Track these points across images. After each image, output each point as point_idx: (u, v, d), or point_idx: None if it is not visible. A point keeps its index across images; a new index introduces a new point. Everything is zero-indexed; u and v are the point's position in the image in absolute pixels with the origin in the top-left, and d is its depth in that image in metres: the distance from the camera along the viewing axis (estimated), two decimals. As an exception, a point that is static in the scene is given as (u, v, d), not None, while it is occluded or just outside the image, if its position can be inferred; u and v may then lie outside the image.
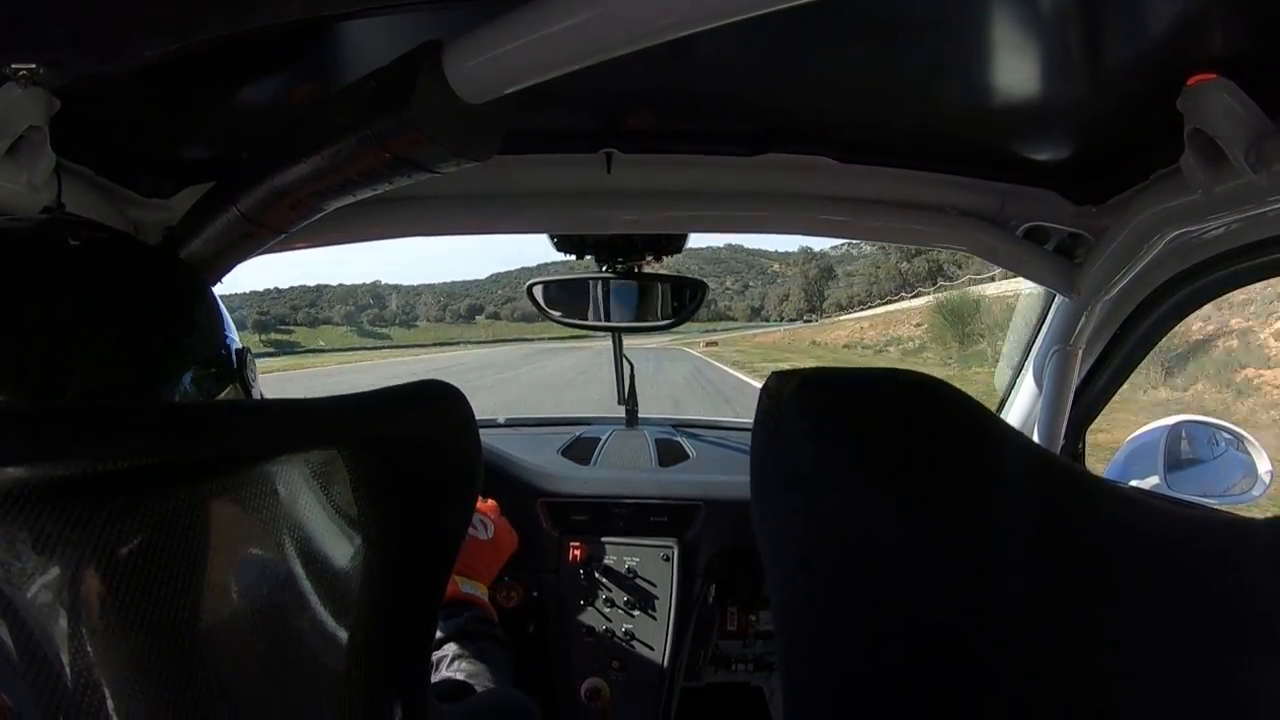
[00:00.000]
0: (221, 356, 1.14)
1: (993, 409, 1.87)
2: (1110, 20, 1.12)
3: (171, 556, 0.61)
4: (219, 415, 0.73)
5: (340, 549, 0.75)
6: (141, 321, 1.03)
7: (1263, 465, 2.07)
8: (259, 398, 1.22)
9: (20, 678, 0.57)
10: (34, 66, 1.05)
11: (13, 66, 1.05)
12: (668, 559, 2.38)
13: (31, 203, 1.25)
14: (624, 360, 2.84)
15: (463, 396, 0.86)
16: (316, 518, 0.72)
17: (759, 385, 0.68)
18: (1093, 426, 2.23)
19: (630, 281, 2.17)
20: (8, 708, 0.61)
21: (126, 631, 0.59)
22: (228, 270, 1.59)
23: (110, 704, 0.59)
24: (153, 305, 1.06)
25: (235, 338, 1.19)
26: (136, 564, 0.59)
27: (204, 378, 1.10)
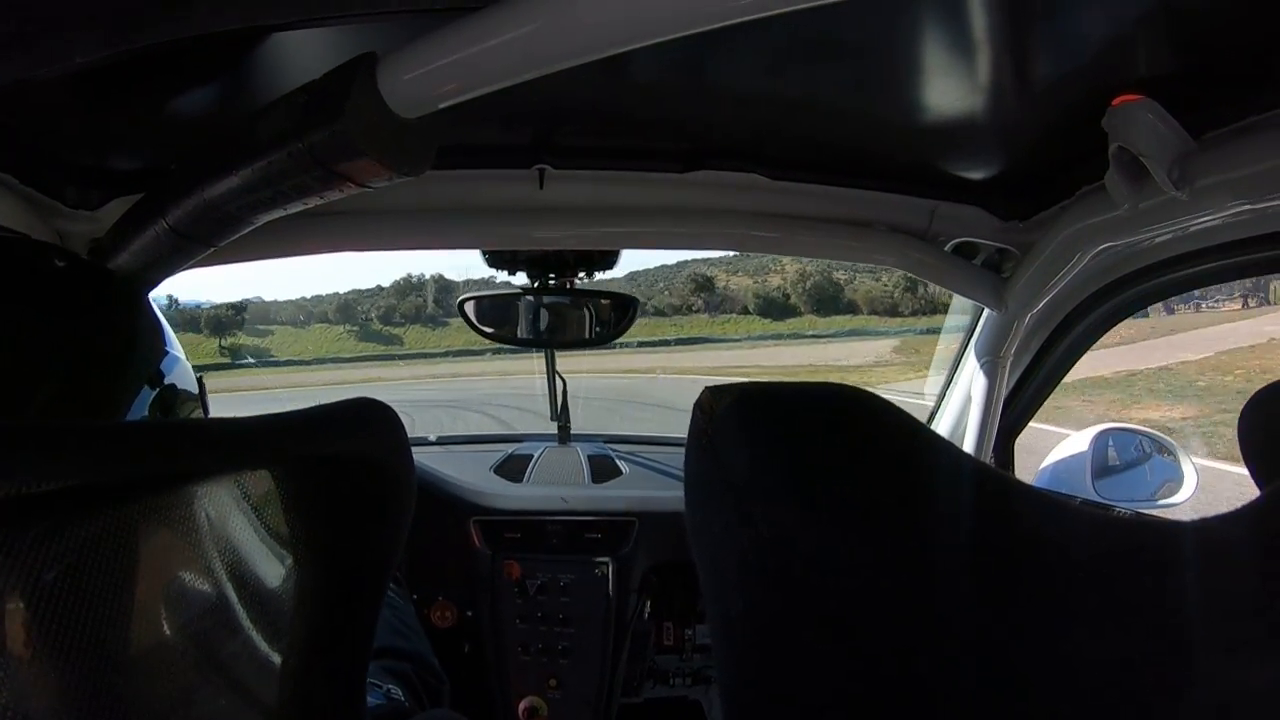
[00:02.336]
0: (164, 373, 1.10)
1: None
2: (1037, 41, 1.14)
3: (99, 581, 0.59)
4: (145, 435, 0.70)
5: (272, 571, 0.73)
6: (81, 342, 1.00)
7: (1188, 469, 2.13)
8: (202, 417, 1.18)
9: None
10: None
11: None
12: (603, 575, 2.37)
13: None
14: (557, 376, 2.82)
15: (394, 414, 0.84)
16: (248, 539, 0.71)
17: None
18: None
19: (563, 298, 2.15)
20: None
21: (52, 660, 0.57)
22: (156, 284, 1.55)
23: None
24: (91, 325, 1.03)
25: (180, 355, 1.15)
26: (62, 589, 0.56)
27: (155, 397, 1.07)
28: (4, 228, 1.42)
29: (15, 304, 0.94)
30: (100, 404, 0.99)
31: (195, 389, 1.15)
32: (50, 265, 0.98)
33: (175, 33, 0.96)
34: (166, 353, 1.11)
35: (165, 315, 1.57)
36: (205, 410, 1.20)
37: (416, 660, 1.46)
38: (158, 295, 1.54)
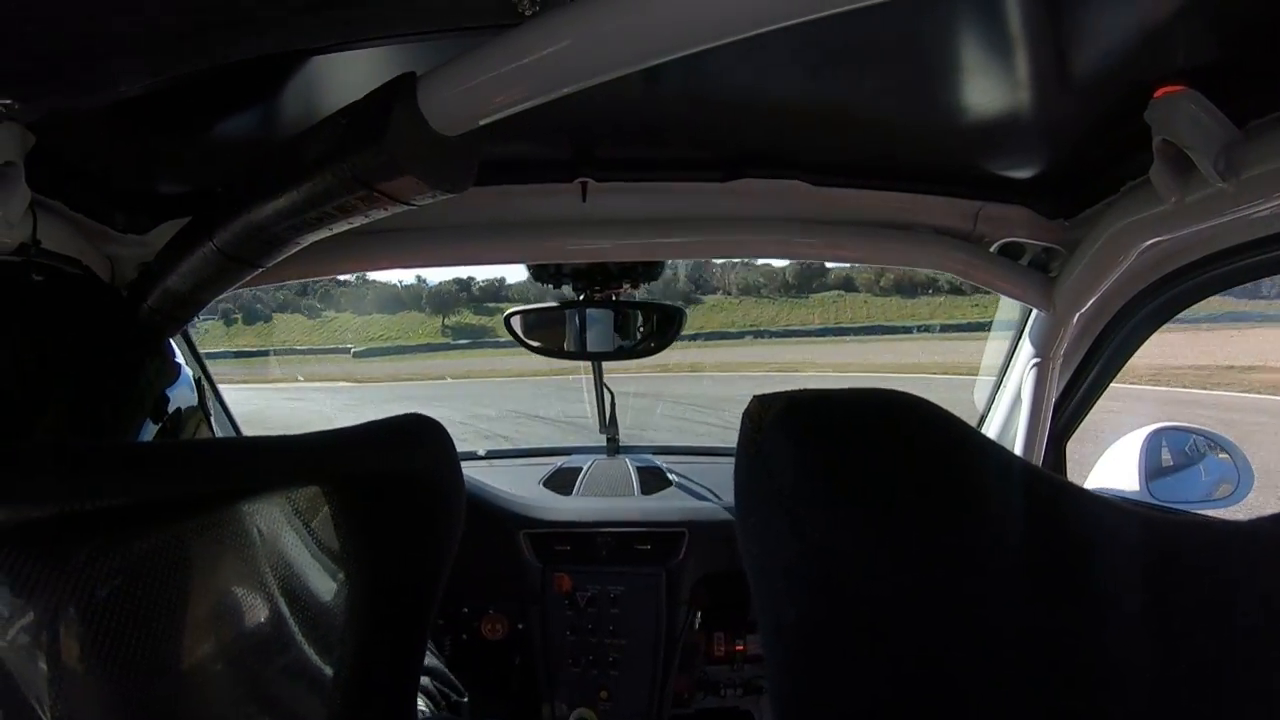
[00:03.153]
0: (170, 396, 1.12)
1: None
2: (1076, 36, 1.13)
3: (152, 597, 0.60)
4: (197, 454, 0.72)
5: (324, 586, 0.74)
6: (100, 364, 1.02)
7: (1243, 468, 2.09)
8: (238, 435, 1.21)
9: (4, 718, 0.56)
10: (9, 102, 1.05)
11: None
12: (653, 586, 2.37)
13: (6, 239, 1.24)
14: (604, 388, 2.83)
15: (444, 430, 0.85)
16: (300, 555, 0.72)
17: None
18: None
19: (608, 310, 2.16)
20: None
21: (107, 673, 0.58)
22: (204, 305, 1.58)
23: None
24: (110, 348, 1.05)
25: (189, 372, 1.17)
26: (116, 605, 0.58)
27: (165, 420, 1.09)
28: (56, 254, 1.47)
29: (29, 325, 0.96)
30: (109, 423, 1.01)
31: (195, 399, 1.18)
32: (75, 288, 1.01)
33: (217, 60, 0.99)
34: (178, 376, 1.13)
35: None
36: (207, 415, 1.22)
37: (434, 673, 1.47)
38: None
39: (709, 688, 2.53)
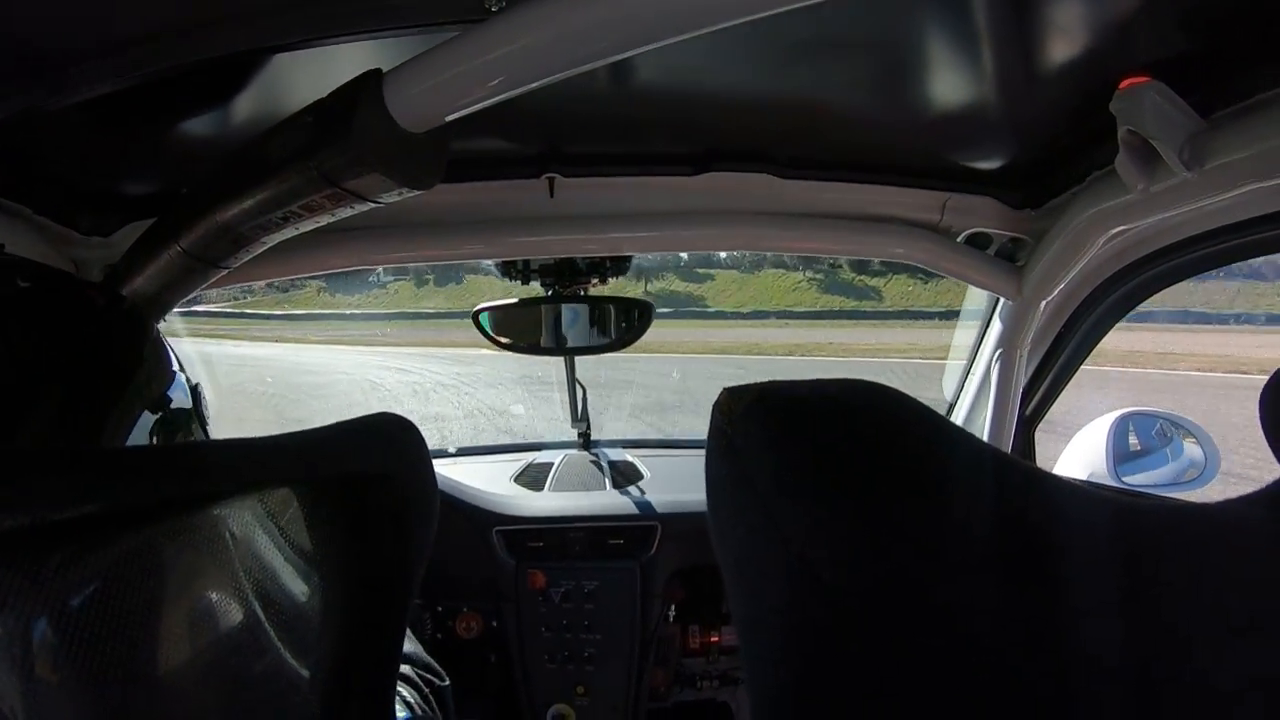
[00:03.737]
0: (170, 397, 1.11)
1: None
2: (1041, 27, 1.14)
3: (125, 603, 0.59)
4: (166, 459, 0.71)
5: (298, 588, 0.74)
6: (90, 366, 1.00)
7: (1210, 452, 2.11)
8: (209, 438, 1.19)
9: None
10: None
11: None
12: (627, 580, 2.37)
13: None
14: (576, 383, 2.82)
15: (414, 428, 0.85)
16: (273, 557, 0.71)
17: None
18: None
19: (578, 304, 2.16)
20: None
21: (83, 682, 0.57)
22: (171, 307, 1.56)
23: None
24: (100, 349, 1.04)
25: (183, 376, 1.15)
26: (89, 614, 0.57)
27: (158, 419, 1.07)
28: (19, 258, 1.44)
29: (15, 325, 0.95)
30: (98, 428, 1.00)
31: (189, 404, 1.16)
32: (57, 291, 1.00)
33: (182, 59, 0.98)
34: (174, 375, 1.12)
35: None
36: (202, 419, 1.21)
37: (414, 660, 1.47)
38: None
39: (685, 681, 2.54)
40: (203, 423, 1.19)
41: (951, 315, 2.46)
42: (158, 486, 0.63)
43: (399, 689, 1.32)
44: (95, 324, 1.05)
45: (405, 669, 1.42)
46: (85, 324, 1.04)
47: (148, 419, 1.24)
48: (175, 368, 1.15)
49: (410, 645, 1.52)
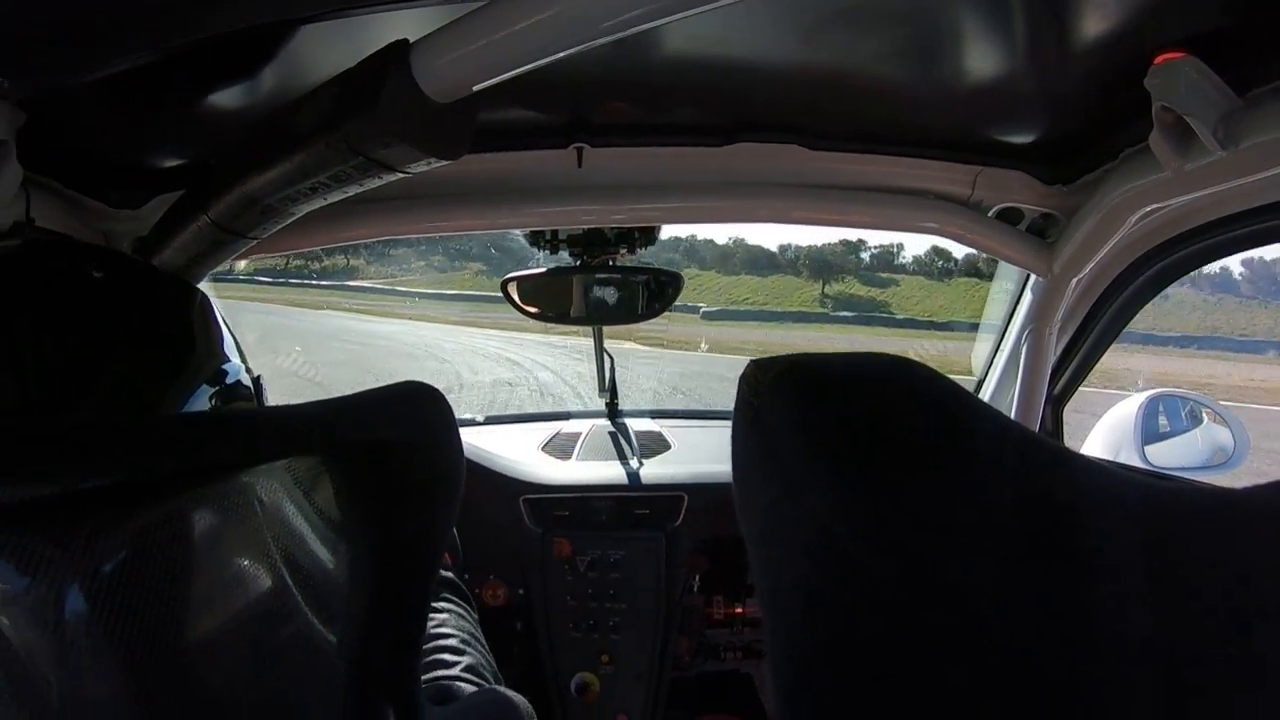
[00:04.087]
0: (223, 373, 1.12)
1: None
2: (1077, 1, 1.12)
3: (156, 571, 0.60)
4: (195, 427, 0.72)
5: (326, 555, 0.75)
6: (144, 344, 1.02)
7: (1238, 435, 2.09)
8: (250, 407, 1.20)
9: (5, 698, 0.56)
10: None
11: None
12: (652, 550, 2.39)
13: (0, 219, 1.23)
14: (605, 353, 2.83)
15: (442, 396, 0.85)
16: (301, 524, 0.72)
17: None
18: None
19: (606, 275, 2.16)
20: None
21: (114, 648, 0.58)
22: (200, 278, 1.58)
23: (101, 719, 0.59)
24: (154, 327, 1.05)
25: (238, 362, 1.17)
26: (121, 580, 0.58)
27: (216, 393, 1.09)
28: (51, 231, 1.46)
29: (65, 306, 0.96)
30: (152, 407, 1.01)
31: (250, 388, 1.17)
32: (100, 268, 1.01)
33: (208, 31, 0.98)
34: (227, 359, 1.13)
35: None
36: (260, 398, 1.23)
37: (470, 653, 1.48)
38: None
39: (709, 651, 2.55)
40: (260, 400, 1.21)
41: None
42: (186, 455, 0.64)
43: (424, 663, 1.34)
44: (150, 301, 1.07)
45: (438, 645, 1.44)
46: (140, 301, 1.05)
47: (202, 397, 1.26)
48: (236, 358, 1.16)
49: (480, 655, 1.54)
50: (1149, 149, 1.29)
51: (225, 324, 1.18)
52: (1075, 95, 1.43)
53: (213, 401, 1.08)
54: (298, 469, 0.73)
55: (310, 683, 0.73)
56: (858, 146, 1.72)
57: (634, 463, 2.64)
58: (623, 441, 2.80)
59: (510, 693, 1.07)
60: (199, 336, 1.10)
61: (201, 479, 0.65)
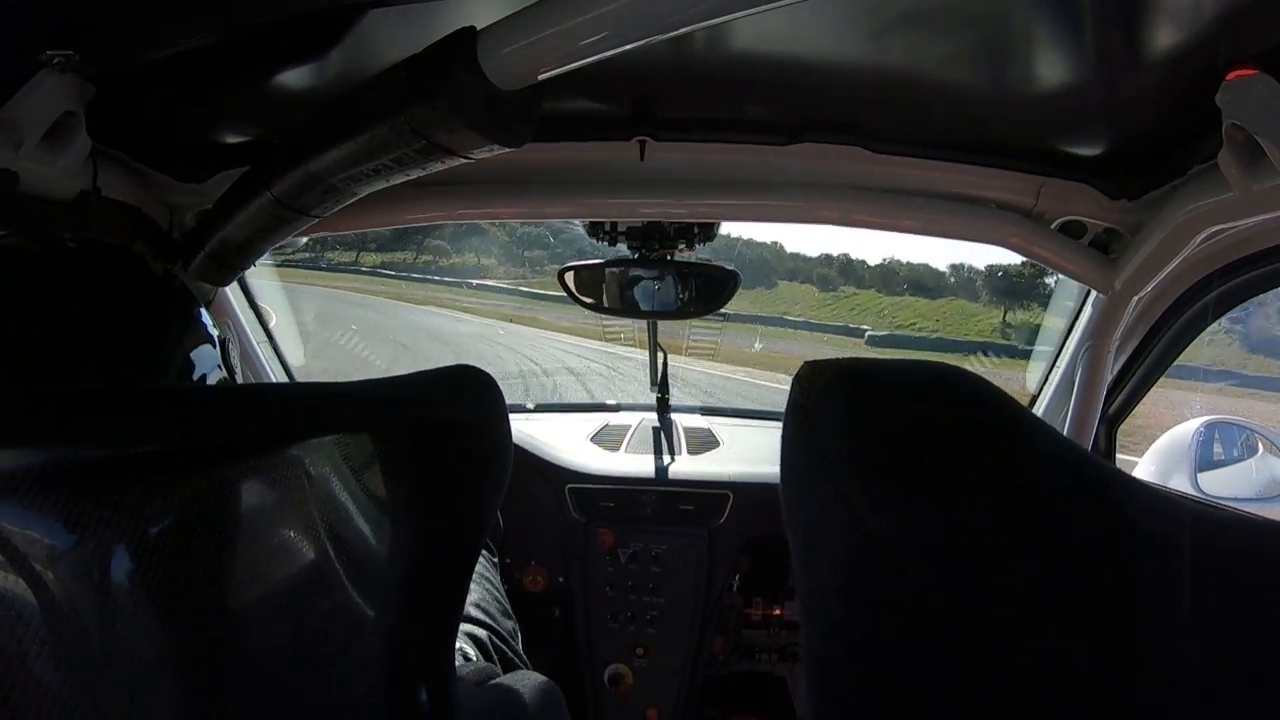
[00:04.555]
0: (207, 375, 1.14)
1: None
2: (1149, 12, 1.11)
3: (202, 537, 0.62)
4: (248, 398, 0.74)
5: (370, 532, 0.76)
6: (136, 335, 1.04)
7: (1296, 468, 2.05)
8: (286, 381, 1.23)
9: (51, 656, 0.58)
10: (70, 53, 1.08)
11: (49, 53, 1.07)
12: (695, 547, 2.40)
13: (67, 187, 1.27)
14: (657, 347, 2.84)
15: (493, 381, 0.86)
16: (347, 500, 0.74)
17: None
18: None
19: (663, 269, 2.17)
20: None
21: (157, 611, 0.59)
22: (261, 253, 1.62)
23: (141, 682, 0.60)
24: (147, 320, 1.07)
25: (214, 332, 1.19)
26: (166, 544, 0.59)
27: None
28: (115, 201, 1.51)
29: (68, 288, 0.99)
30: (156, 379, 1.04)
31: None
32: (109, 260, 1.04)
33: (280, 11, 1.00)
34: (213, 348, 1.15)
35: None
36: (232, 376, 1.24)
37: (496, 633, 1.49)
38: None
39: (744, 651, 2.55)
40: (228, 364, 1.23)
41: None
42: (239, 426, 0.65)
43: (463, 645, 1.36)
44: (145, 294, 1.09)
45: (483, 634, 1.46)
46: (136, 293, 1.07)
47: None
48: (214, 349, 1.19)
49: (500, 623, 1.56)
50: (1217, 167, 1.27)
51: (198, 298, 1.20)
52: (1144, 108, 1.41)
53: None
54: (347, 445, 0.74)
55: (347, 656, 0.74)
56: (921, 151, 1.71)
57: (682, 458, 2.65)
58: (672, 436, 2.81)
59: (542, 678, 1.08)
60: (192, 331, 1.12)
61: (253, 451, 0.66)
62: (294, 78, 1.37)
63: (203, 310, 1.11)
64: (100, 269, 1.04)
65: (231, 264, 1.67)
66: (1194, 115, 1.25)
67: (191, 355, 1.10)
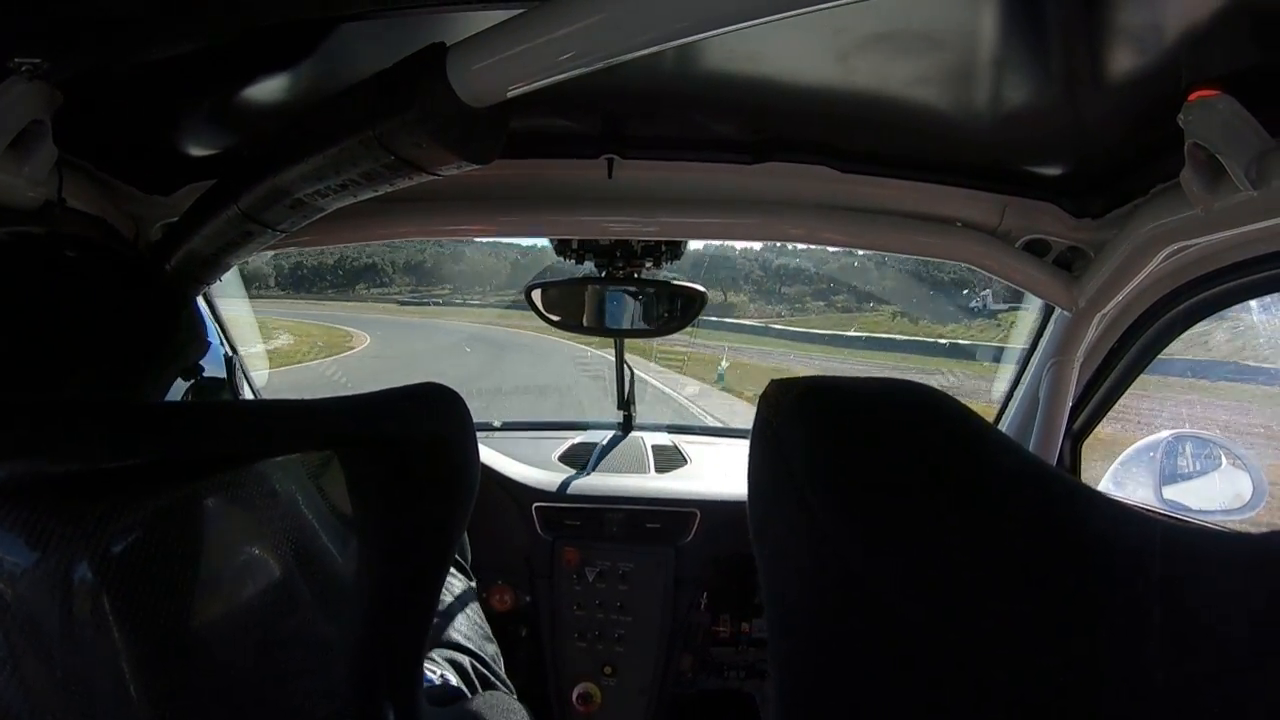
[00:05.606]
0: (204, 366, 1.13)
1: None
2: (1111, 33, 1.12)
3: (165, 554, 0.60)
4: (213, 415, 0.72)
5: (336, 549, 0.75)
6: (127, 329, 1.03)
7: (1258, 481, 2.07)
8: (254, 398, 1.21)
9: (10, 674, 0.57)
10: (38, 61, 1.06)
11: (16, 60, 1.06)
12: (662, 565, 2.38)
13: (32, 196, 1.25)
14: (625, 365, 2.83)
15: (460, 398, 0.86)
16: (313, 518, 0.72)
17: None
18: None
19: (630, 287, 2.16)
20: None
21: (119, 628, 0.58)
22: (227, 268, 1.60)
23: (102, 700, 0.59)
24: (138, 315, 1.06)
25: (222, 345, 1.18)
26: (130, 561, 0.58)
27: (191, 386, 1.09)
28: (80, 212, 1.48)
29: (55, 289, 0.97)
30: (133, 392, 1.02)
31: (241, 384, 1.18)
32: (104, 257, 1.03)
33: (247, 24, 1.00)
34: (208, 344, 1.14)
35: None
36: (235, 390, 1.23)
37: (477, 658, 1.48)
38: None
39: (712, 669, 2.54)
40: (235, 394, 1.22)
41: None
42: (203, 442, 0.64)
43: (443, 670, 1.34)
44: (136, 291, 1.08)
45: (464, 659, 1.44)
46: (126, 290, 1.06)
47: (181, 387, 1.27)
48: (212, 339, 1.17)
49: (481, 646, 1.54)
50: (1179, 186, 1.29)
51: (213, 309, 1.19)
52: (1107, 129, 1.43)
53: (189, 387, 1.09)
54: (313, 462, 0.73)
55: (312, 676, 0.73)
56: (888, 171, 1.72)
57: (649, 476, 2.64)
58: (639, 455, 2.80)
59: (509, 699, 1.07)
60: (183, 325, 1.11)
61: (217, 467, 0.65)
62: (264, 90, 1.36)
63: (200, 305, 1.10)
64: (110, 274, 1.02)
65: (197, 278, 1.64)
66: (1156, 135, 1.27)
67: (193, 361, 1.09)
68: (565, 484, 2.51)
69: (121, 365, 1.01)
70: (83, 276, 1.01)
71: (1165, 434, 2.16)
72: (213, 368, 1.13)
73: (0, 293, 0.93)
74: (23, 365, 0.91)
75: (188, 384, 1.10)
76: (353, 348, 27.10)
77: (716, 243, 1.63)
